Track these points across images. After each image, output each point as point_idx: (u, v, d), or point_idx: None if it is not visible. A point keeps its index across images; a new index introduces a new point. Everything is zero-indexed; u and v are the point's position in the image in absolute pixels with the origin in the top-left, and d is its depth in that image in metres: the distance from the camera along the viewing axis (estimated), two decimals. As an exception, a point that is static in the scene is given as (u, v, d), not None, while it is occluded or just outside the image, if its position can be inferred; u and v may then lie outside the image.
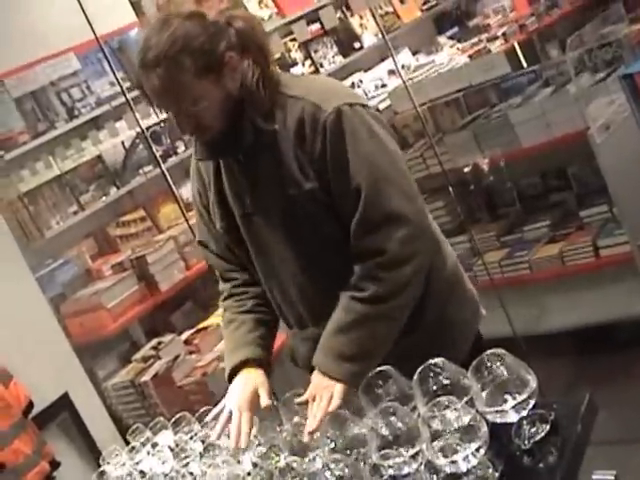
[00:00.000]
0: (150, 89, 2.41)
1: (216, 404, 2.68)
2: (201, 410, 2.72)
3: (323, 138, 2.40)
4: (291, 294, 2.66)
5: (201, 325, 5.51)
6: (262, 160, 2.51)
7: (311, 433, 2.30)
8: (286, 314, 2.75)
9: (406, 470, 1.95)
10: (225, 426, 2.54)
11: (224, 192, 2.65)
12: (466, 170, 5.19)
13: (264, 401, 2.56)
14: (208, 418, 2.66)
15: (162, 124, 6.02)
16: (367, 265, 2.44)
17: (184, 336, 5.46)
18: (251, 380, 2.63)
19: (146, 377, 5.10)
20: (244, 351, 2.69)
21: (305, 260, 2.58)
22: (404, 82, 5.06)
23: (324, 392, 2.42)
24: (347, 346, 2.45)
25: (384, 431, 2.01)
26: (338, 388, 2.42)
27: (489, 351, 1.98)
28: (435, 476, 1.87)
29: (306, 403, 2.44)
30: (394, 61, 5.13)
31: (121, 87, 4.99)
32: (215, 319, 5.51)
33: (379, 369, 2.25)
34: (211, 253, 2.85)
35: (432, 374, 2.06)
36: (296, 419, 2.39)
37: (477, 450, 1.85)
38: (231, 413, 2.56)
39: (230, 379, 2.69)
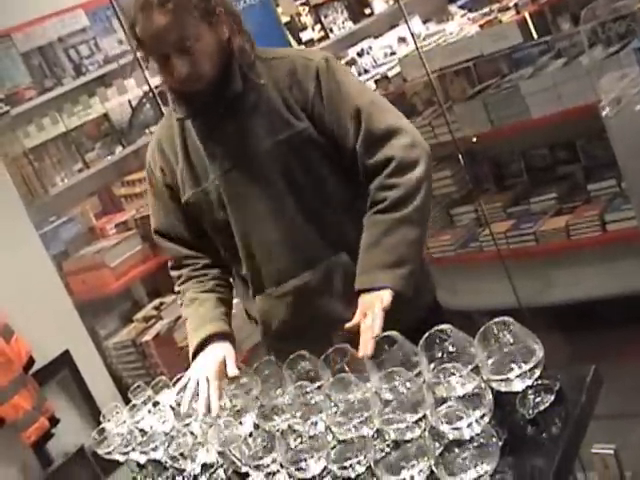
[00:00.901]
0: (151, 30, 2.44)
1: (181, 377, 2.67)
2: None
3: (317, 80, 2.57)
4: (272, 247, 2.66)
5: (203, 287, 5.49)
6: (249, 110, 2.59)
7: (370, 358, 2.26)
8: (263, 273, 2.72)
9: (409, 435, 1.94)
10: (192, 398, 2.53)
11: (193, 160, 2.68)
12: (474, 140, 5.16)
13: (231, 371, 2.57)
14: (175, 391, 2.65)
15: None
16: (379, 179, 2.53)
17: (186, 297, 5.45)
18: (218, 351, 2.64)
19: (147, 337, 5.11)
20: (210, 326, 2.70)
21: (295, 206, 2.62)
22: (417, 49, 5.02)
23: (371, 309, 2.37)
24: (384, 255, 2.47)
25: (388, 396, 2.00)
26: (386, 294, 2.40)
27: (496, 319, 1.96)
28: (438, 442, 1.86)
29: (357, 332, 2.36)
30: (408, 27, 5.10)
31: (130, 45, 4.96)
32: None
33: (384, 334, 2.24)
34: (169, 241, 2.86)
35: (438, 340, 2.05)
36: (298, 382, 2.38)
37: (481, 418, 1.83)
38: (197, 384, 2.55)
39: (194, 356, 2.68)
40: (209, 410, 2.47)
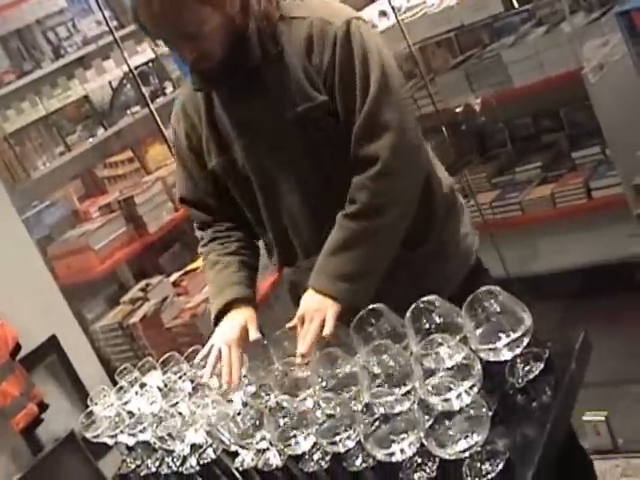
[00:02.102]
0: (151, 16, 2.37)
1: (204, 344, 2.64)
2: (189, 350, 2.69)
3: (332, 49, 2.41)
4: (299, 220, 2.61)
5: (190, 267, 5.48)
6: (269, 80, 2.49)
7: (303, 356, 2.29)
8: (291, 245, 2.68)
9: (398, 408, 1.92)
10: (215, 365, 2.50)
11: (218, 127, 2.61)
12: (457, 111, 5.14)
13: (253, 335, 2.53)
14: (197, 359, 2.60)
15: (150, 64, 5.95)
16: (362, 177, 2.42)
17: (172, 278, 5.44)
18: (239, 316, 2.60)
19: (134, 319, 5.08)
20: (232, 290, 2.65)
21: (317, 178, 2.54)
22: (398, 21, 5.00)
23: (315, 314, 2.39)
24: (342, 267, 2.42)
25: (376, 369, 1.98)
26: (331, 310, 2.38)
27: (483, 288, 1.94)
28: (428, 415, 1.85)
29: (295, 329, 2.42)
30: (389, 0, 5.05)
31: (108, 26, 4.92)
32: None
33: (371, 306, 2.21)
34: (194, 208, 2.81)
35: (425, 311, 2.03)
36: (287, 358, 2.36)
37: (470, 388, 1.82)
38: (220, 351, 2.52)
39: (217, 320, 2.65)
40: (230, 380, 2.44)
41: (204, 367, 2.54)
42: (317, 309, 2.40)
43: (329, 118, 2.46)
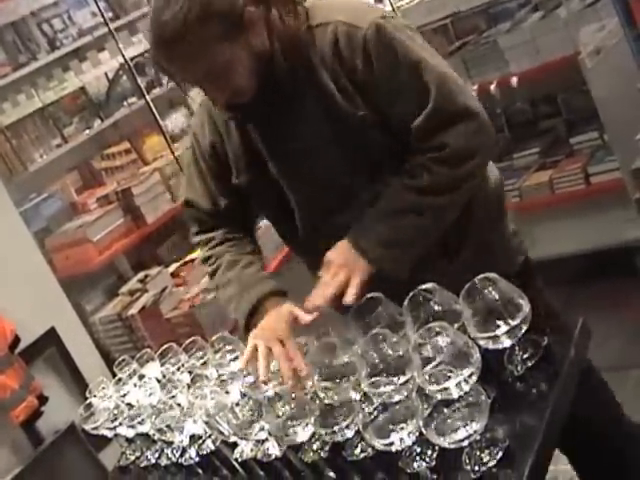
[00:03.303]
0: (174, 65, 2.30)
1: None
2: (188, 341, 2.67)
3: (365, 54, 2.27)
4: (336, 221, 2.45)
5: (188, 257, 5.48)
6: (304, 99, 2.36)
7: (309, 309, 2.26)
8: (320, 249, 2.47)
9: (397, 398, 1.92)
10: (268, 363, 2.29)
11: (251, 146, 2.49)
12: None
13: (304, 318, 2.34)
14: (241, 365, 2.36)
15: (146, 54, 5.93)
16: (424, 157, 2.30)
17: (171, 269, 5.44)
18: (280, 308, 2.40)
19: (133, 310, 5.08)
20: (265, 285, 2.49)
21: (359, 194, 2.42)
22: (393, 9, 4.98)
23: (343, 270, 2.30)
24: (388, 231, 2.32)
25: (374, 358, 1.97)
26: (360, 274, 2.29)
27: (481, 275, 1.93)
28: (426, 403, 1.84)
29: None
30: (384, -14, 5.04)
31: (103, 17, 4.92)
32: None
33: (369, 295, 2.20)
34: (201, 212, 2.66)
35: (423, 300, 2.02)
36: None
37: (469, 377, 1.81)
38: (269, 349, 2.30)
39: (249, 317, 2.46)
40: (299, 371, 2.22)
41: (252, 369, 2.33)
42: (347, 265, 2.31)
43: (371, 131, 2.34)
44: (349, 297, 2.27)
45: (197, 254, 2.73)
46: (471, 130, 2.30)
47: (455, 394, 1.81)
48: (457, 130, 2.28)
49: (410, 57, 2.27)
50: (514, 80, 4.70)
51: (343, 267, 2.31)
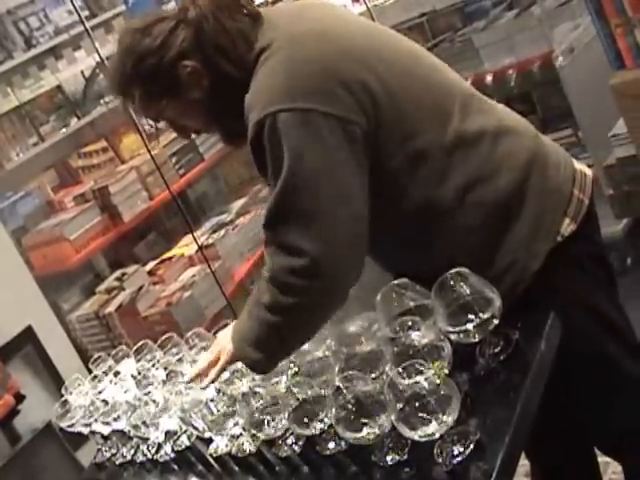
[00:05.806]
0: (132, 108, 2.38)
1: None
2: (163, 338, 2.68)
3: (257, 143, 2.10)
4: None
5: (165, 256, 5.49)
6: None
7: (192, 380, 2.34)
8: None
9: (369, 392, 1.92)
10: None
11: None
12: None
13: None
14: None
15: (122, 53, 5.92)
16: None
17: (148, 267, 5.44)
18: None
19: (110, 308, 5.07)
20: None
21: None
22: (368, 8, 5.00)
23: (217, 350, 2.35)
24: (249, 330, 2.22)
25: (347, 354, 1.99)
26: (225, 357, 2.29)
27: (452, 270, 1.95)
28: (398, 397, 1.85)
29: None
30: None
31: (79, 15, 4.89)
32: (179, 250, 5.48)
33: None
34: None
35: (395, 295, 2.04)
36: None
37: (440, 370, 1.83)
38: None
39: None
40: None
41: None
42: (221, 346, 2.33)
43: None
44: (204, 382, 2.32)
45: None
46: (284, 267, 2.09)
47: (426, 388, 1.82)
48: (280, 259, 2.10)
49: (276, 160, 2.06)
50: (489, 78, 4.73)
51: (218, 346, 2.35)
